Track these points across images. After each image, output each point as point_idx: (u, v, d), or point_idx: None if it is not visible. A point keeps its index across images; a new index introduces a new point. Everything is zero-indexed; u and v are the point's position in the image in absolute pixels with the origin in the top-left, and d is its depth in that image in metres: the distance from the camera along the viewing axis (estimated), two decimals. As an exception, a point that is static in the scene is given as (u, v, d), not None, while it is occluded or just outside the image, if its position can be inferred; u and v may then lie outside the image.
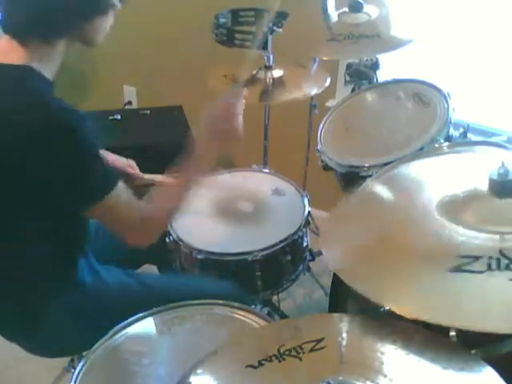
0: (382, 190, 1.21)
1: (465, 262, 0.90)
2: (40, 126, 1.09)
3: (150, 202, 1.28)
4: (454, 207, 1.02)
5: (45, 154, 1.11)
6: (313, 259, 1.72)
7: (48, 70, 1.17)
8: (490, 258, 0.89)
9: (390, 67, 2.04)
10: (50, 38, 1.15)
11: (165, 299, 1.27)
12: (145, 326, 1.23)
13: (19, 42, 1.14)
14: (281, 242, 1.54)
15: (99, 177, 1.17)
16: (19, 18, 1.14)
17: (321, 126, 1.78)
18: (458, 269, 0.89)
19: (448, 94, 1.64)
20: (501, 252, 0.90)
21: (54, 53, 1.18)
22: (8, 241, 1.25)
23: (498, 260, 0.89)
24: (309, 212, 1.64)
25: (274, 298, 1.91)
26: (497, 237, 0.93)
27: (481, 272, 0.88)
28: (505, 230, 0.94)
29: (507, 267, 0.88)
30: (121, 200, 1.21)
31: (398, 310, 0.88)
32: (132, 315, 1.23)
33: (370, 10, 1.78)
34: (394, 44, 1.69)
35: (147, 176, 1.58)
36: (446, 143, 1.49)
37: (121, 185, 1.20)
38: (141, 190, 1.31)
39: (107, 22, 1.22)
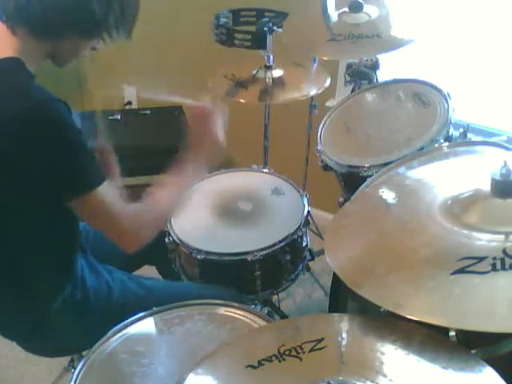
0: (383, 193, 1.21)
1: (469, 263, 0.89)
2: (24, 117, 1.09)
3: (141, 204, 1.28)
4: (457, 208, 1.02)
5: (30, 145, 1.11)
6: (312, 259, 1.72)
7: (31, 66, 1.17)
8: (495, 258, 0.89)
9: (390, 67, 2.04)
10: (38, 31, 1.15)
11: (165, 303, 1.26)
12: (145, 326, 1.23)
13: (10, 28, 1.14)
14: (280, 241, 1.54)
15: (86, 169, 1.16)
16: (14, 3, 1.13)
17: (321, 126, 1.78)
18: (463, 270, 0.89)
19: (448, 94, 1.64)
20: (505, 252, 0.90)
21: (38, 51, 1.18)
22: (7, 236, 1.25)
23: (503, 260, 0.88)
24: (308, 212, 1.64)
25: (274, 297, 1.91)
26: (501, 237, 0.93)
27: (485, 273, 0.88)
28: (508, 229, 0.94)
29: (512, 267, 0.88)
30: (109, 198, 1.19)
31: (403, 313, 0.87)
32: (132, 316, 1.23)
33: (370, 10, 1.78)
34: (393, 44, 1.69)
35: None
36: (446, 143, 1.49)
37: (108, 182, 1.19)
38: (134, 191, 1.29)
39: (83, 49, 1.22)
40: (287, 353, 0.93)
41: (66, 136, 1.13)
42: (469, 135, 1.55)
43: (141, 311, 1.25)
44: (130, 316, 1.23)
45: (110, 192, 1.20)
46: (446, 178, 1.17)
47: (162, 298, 1.34)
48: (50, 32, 1.16)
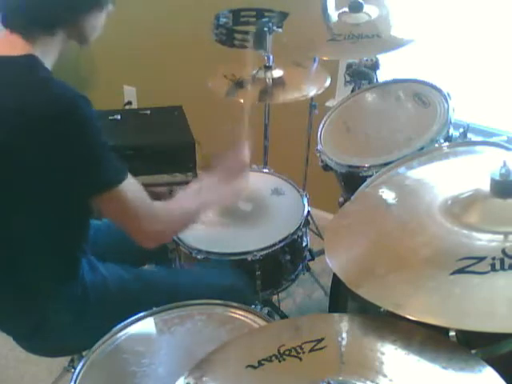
0: (383, 193, 1.21)
1: (469, 264, 0.89)
2: (44, 113, 1.09)
3: (167, 204, 1.28)
4: (457, 208, 1.02)
5: (53, 142, 1.10)
6: (312, 259, 1.72)
7: (48, 62, 1.17)
8: (494, 258, 0.89)
9: (390, 67, 2.04)
10: (50, 27, 1.15)
11: (163, 292, 1.26)
12: (145, 325, 1.23)
13: (20, 34, 1.14)
14: (280, 241, 1.54)
15: (109, 166, 1.16)
16: (19, 9, 1.14)
17: (321, 126, 1.78)
18: (462, 270, 0.89)
19: (448, 94, 1.64)
20: (504, 252, 0.90)
21: (53, 44, 1.18)
22: (8, 236, 1.25)
23: (502, 260, 0.88)
24: (308, 212, 1.65)
25: (274, 297, 1.91)
26: (500, 237, 0.93)
27: (485, 273, 0.88)
28: (508, 229, 0.94)
29: (511, 267, 0.87)
30: (131, 194, 1.19)
31: (403, 313, 0.88)
32: (131, 310, 1.23)
33: (370, 10, 1.78)
34: (393, 44, 1.69)
35: None
36: (446, 143, 1.49)
37: (131, 179, 1.19)
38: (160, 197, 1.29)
39: (101, 20, 1.23)
40: (287, 353, 0.93)
41: (87, 133, 1.13)
42: (469, 135, 1.55)
43: (137, 302, 1.24)
44: (129, 307, 1.23)
45: (131, 189, 1.19)
46: (446, 178, 1.17)
47: (159, 288, 1.33)
48: (58, 25, 1.16)
